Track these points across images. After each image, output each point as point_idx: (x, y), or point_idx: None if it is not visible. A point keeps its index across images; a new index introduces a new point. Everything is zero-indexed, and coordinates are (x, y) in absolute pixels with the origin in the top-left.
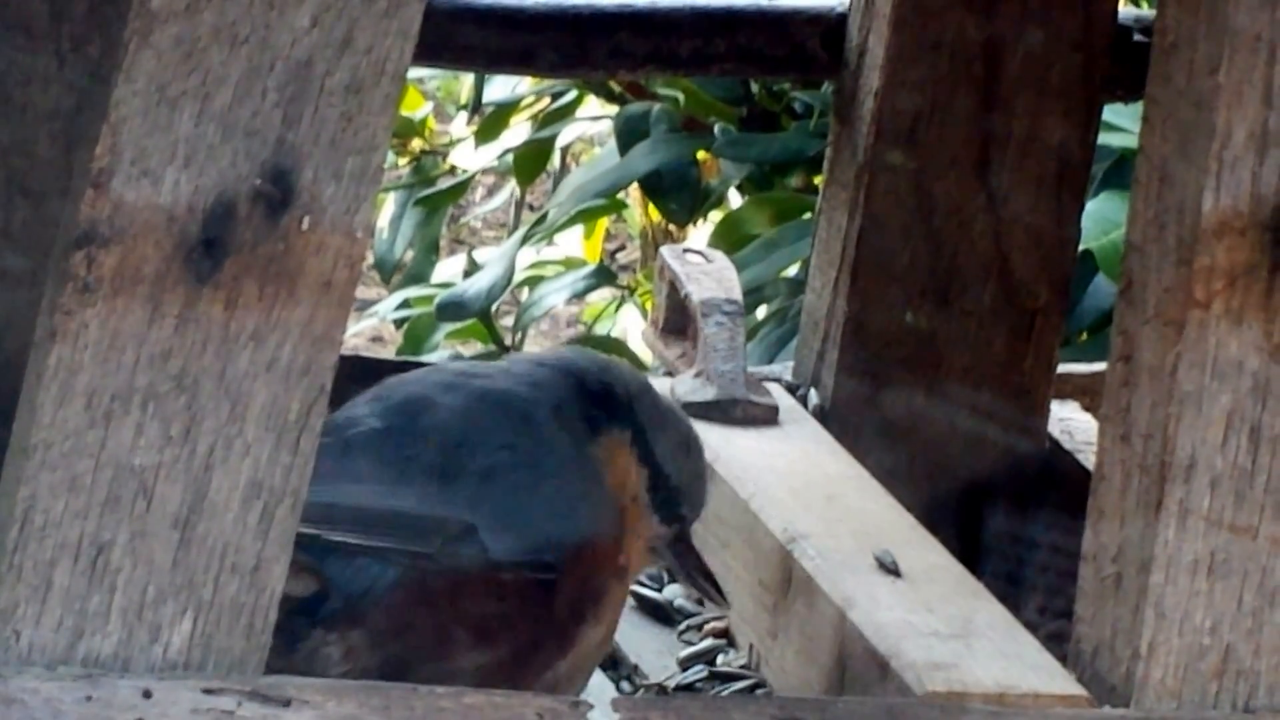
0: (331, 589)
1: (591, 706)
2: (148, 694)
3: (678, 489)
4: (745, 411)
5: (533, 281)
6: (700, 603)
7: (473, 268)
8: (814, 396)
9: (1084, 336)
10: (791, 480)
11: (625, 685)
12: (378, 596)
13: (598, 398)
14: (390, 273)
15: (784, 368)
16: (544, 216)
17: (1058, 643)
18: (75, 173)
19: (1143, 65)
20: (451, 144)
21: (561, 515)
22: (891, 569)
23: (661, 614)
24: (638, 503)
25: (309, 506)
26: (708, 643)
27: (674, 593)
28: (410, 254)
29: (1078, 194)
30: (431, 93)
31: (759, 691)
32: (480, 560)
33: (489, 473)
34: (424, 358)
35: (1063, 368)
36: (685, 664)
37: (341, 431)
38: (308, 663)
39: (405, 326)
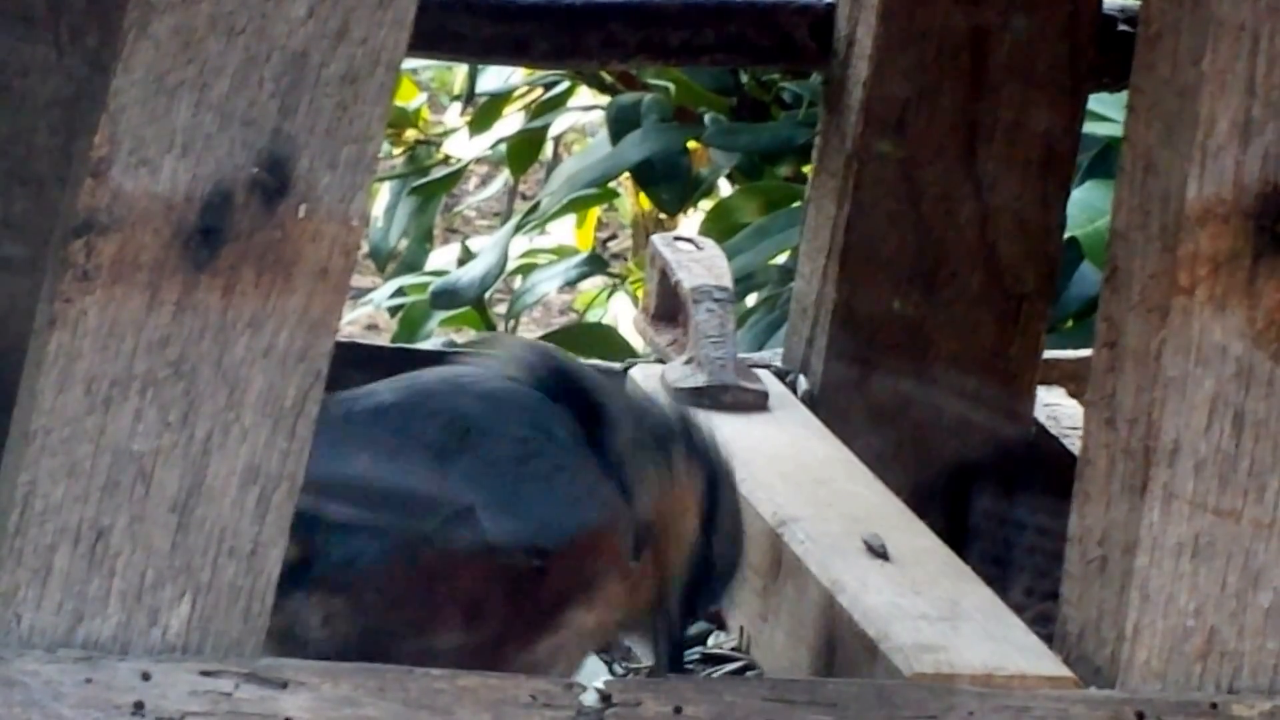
0: (315, 555)
1: (585, 689)
2: (146, 676)
3: (716, 563)
4: (735, 397)
5: (526, 269)
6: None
7: (466, 256)
8: (803, 382)
9: (1070, 323)
10: (781, 465)
11: (618, 668)
12: (362, 567)
13: (676, 433)
14: (385, 261)
15: (774, 354)
16: (536, 205)
17: (1044, 624)
18: (74, 162)
19: (1128, 54)
20: (445, 134)
21: (565, 505)
22: (880, 552)
23: None
24: (680, 549)
25: (310, 478)
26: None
27: None
28: (405, 242)
29: (1063, 182)
30: (425, 83)
31: (749, 673)
32: (475, 542)
33: (497, 460)
34: (418, 345)
35: (1049, 353)
36: None
37: (352, 403)
38: (287, 626)
39: (400, 314)
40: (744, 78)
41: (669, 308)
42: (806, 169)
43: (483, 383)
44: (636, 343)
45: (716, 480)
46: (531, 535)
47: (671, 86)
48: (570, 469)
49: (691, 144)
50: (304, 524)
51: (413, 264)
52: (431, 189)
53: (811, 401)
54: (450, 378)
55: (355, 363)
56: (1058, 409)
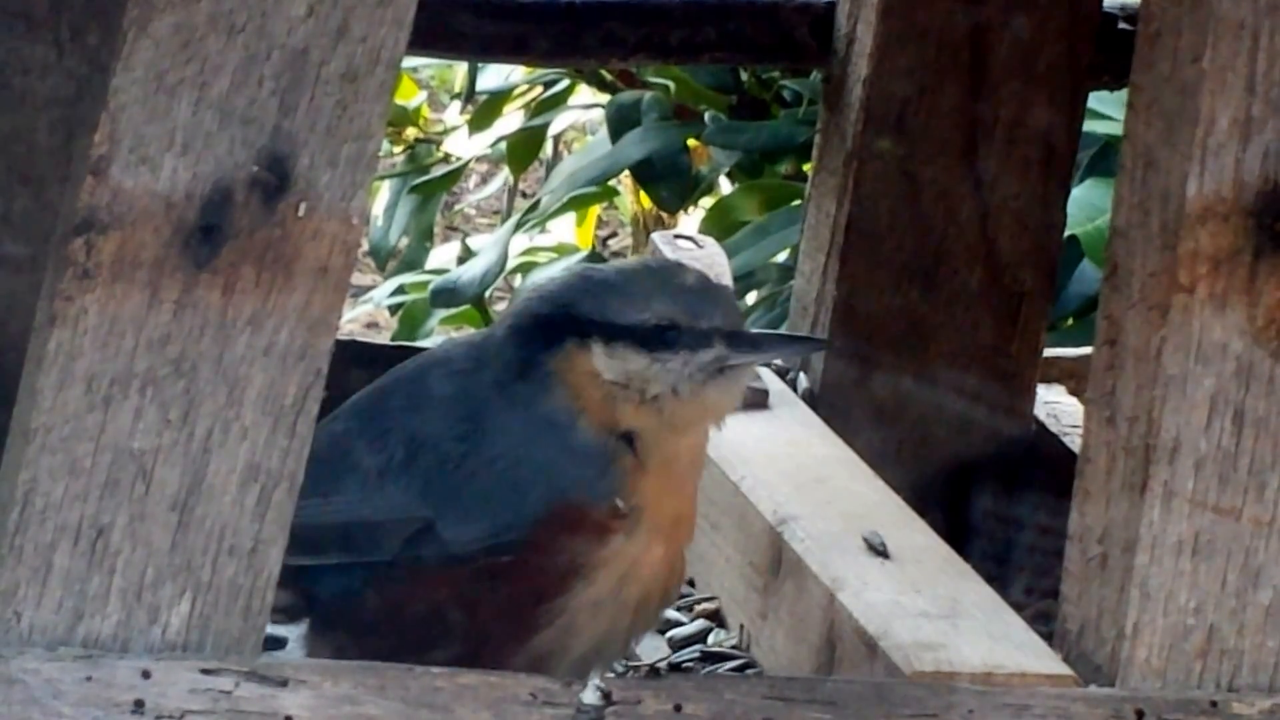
0: (308, 598)
1: (584, 686)
2: (146, 674)
3: (671, 320)
4: None
5: (526, 268)
6: (690, 584)
7: (466, 254)
8: (803, 380)
9: (1070, 321)
10: (781, 463)
11: (618, 665)
12: (350, 600)
13: (540, 326)
14: (385, 259)
15: None
16: (537, 204)
17: (1044, 622)
18: (74, 160)
19: (1128, 53)
20: (445, 132)
21: (518, 492)
22: (880, 550)
23: None
24: (628, 389)
25: None
26: (699, 624)
27: None
28: (405, 241)
29: (1063, 180)
30: (425, 81)
31: (749, 671)
32: (441, 555)
33: (438, 465)
34: (419, 343)
35: (1049, 351)
36: (677, 644)
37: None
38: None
39: (400, 312)
40: (744, 76)
41: None
42: (806, 167)
43: (415, 384)
44: None
45: (575, 306)
46: (493, 533)
47: (671, 85)
48: (509, 454)
49: (691, 142)
50: (291, 571)
51: (413, 262)
52: (431, 187)
53: (812, 399)
54: (384, 387)
55: (355, 361)
56: (1058, 407)
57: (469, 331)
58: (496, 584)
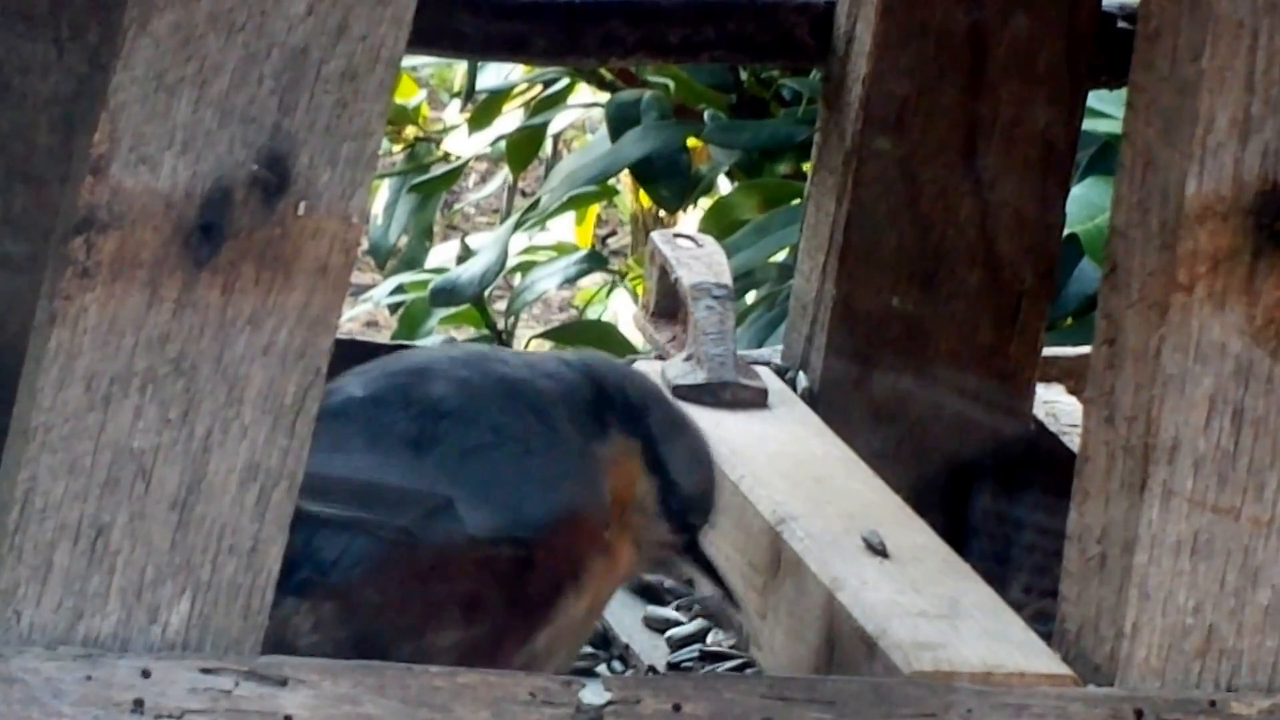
0: (302, 558)
1: (584, 685)
2: (146, 673)
3: (687, 499)
4: (735, 394)
5: (525, 267)
6: (689, 583)
7: (466, 253)
8: (803, 379)
9: (1069, 320)
10: (780, 462)
11: (617, 664)
12: (350, 568)
13: (613, 402)
14: (385, 258)
15: (773, 351)
16: (536, 203)
17: (1043, 622)
18: (74, 159)
19: (1127, 52)
20: (445, 131)
21: (541, 492)
22: (879, 550)
23: (652, 594)
24: (643, 511)
25: None
26: (698, 623)
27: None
28: (404, 240)
29: (1063, 179)
30: (425, 80)
31: (749, 670)
32: (456, 535)
33: (472, 449)
34: (418, 342)
35: (1048, 351)
36: (676, 644)
37: (323, 399)
38: (277, 632)
39: (400, 312)
40: (743, 75)
41: (669, 305)
42: (806, 166)
43: (453, 369)
44: (636, 340)
45: (651, 428)
46: (513, 524)
47: (671, 84)
48: (542, 452)
49: (691, 141)
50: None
51: (412, 261)
52: (431, 186)
53: (811, 399)
54: (419, 367)
55: (355, 360)
56: (1057, 406)
57: (468, 333)
58: (506, 575)
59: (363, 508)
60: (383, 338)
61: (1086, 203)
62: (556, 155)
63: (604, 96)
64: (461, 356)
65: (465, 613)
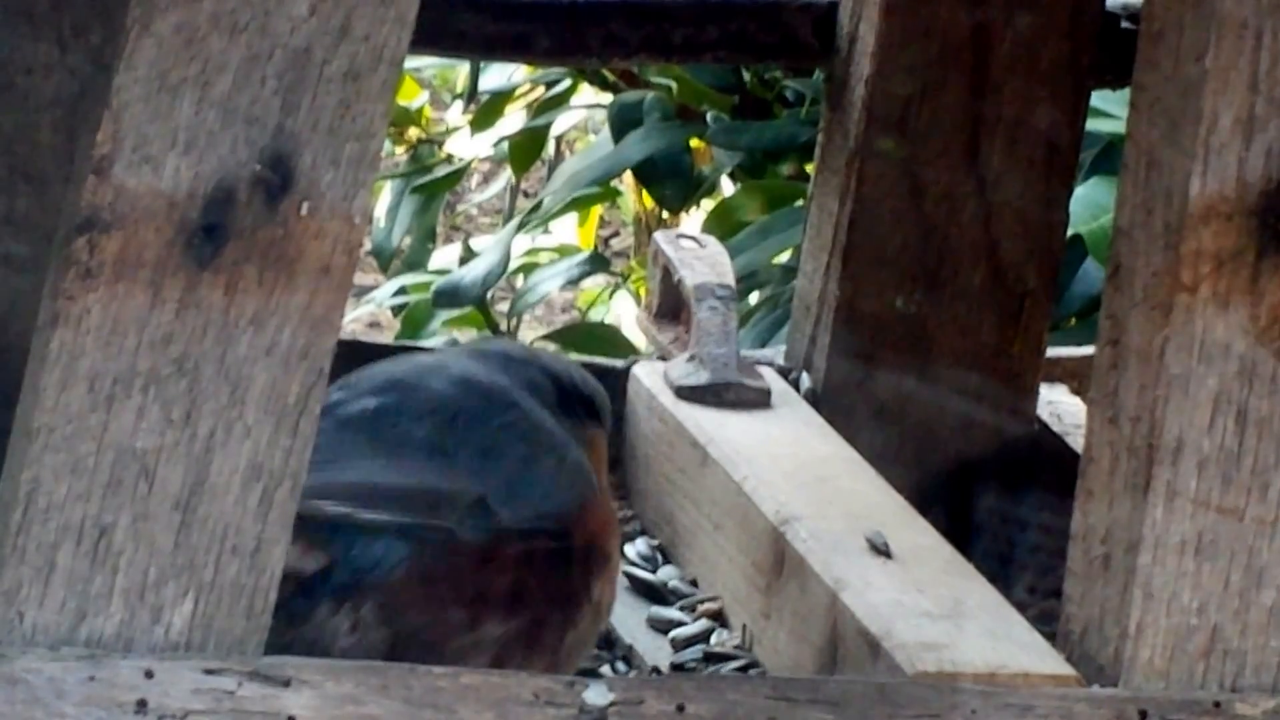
0: (339, 562)
1: (587, 686)
2: (149, 674)
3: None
4: (738, 395)
5: (528, 268)
6: (693, 584)
7: (469, 255)
8: (806, 380)
9: (1073, 321)
10: (784, 463)
11: (621, 665)
12: (388, 570)
13: (574, 393)
14: (388, 260)
15: (776, 352)
16: (539, 204)
17: (1047, 622)
18: (77, 159)
19: (1130, 52)
20: (448, 132)
21: (564, 483)
22: (883, 550)
23: (655, 595)
24: (606, 493)
25: (333, 485)
26: (701, 624)
27: (668, 574)
28: (407, 241)
29: (1066, 179)
30: (428, 81)
31: (752, 671)
32: (495, 530)
33: (491, 447)
34: (421, 343)
35: (1051, 351)
36: (680, 644)
37: (338, 409)
38: (315, 636)
39: (403, 313)
40: (746, 76)
41: (671, 306)
42: (809, 167)
43: (450, 368)
44: (639, 341)
45: (593, 399)
46: (544, 515)
47: (674, 84)
48: (554, 445)
49: (694, 142)
50: (326, 532)
51: (415, 263)
52: (434, 187)
53: (814, 399)
54: (423, 370)
55: (358, 361)
56: (1060, 406)
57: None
58: (546, 565)
59: (403, 511)
60: (386, 339)
61: (1090, 203)
62: (559, 156)
63: (606, 98)
64: (424, 366)
65: (509, 604)
